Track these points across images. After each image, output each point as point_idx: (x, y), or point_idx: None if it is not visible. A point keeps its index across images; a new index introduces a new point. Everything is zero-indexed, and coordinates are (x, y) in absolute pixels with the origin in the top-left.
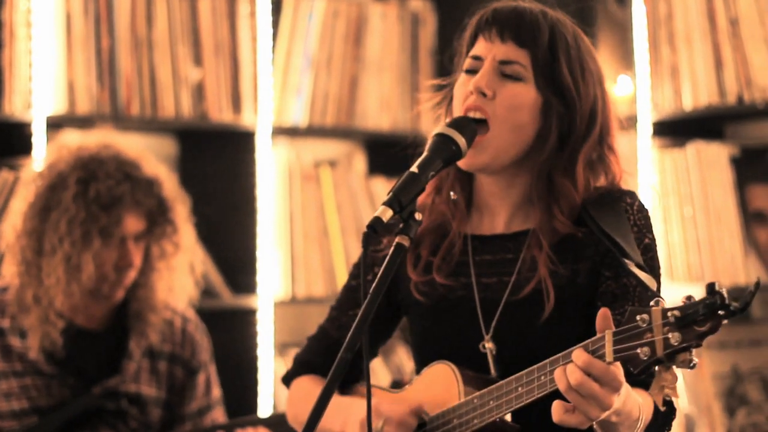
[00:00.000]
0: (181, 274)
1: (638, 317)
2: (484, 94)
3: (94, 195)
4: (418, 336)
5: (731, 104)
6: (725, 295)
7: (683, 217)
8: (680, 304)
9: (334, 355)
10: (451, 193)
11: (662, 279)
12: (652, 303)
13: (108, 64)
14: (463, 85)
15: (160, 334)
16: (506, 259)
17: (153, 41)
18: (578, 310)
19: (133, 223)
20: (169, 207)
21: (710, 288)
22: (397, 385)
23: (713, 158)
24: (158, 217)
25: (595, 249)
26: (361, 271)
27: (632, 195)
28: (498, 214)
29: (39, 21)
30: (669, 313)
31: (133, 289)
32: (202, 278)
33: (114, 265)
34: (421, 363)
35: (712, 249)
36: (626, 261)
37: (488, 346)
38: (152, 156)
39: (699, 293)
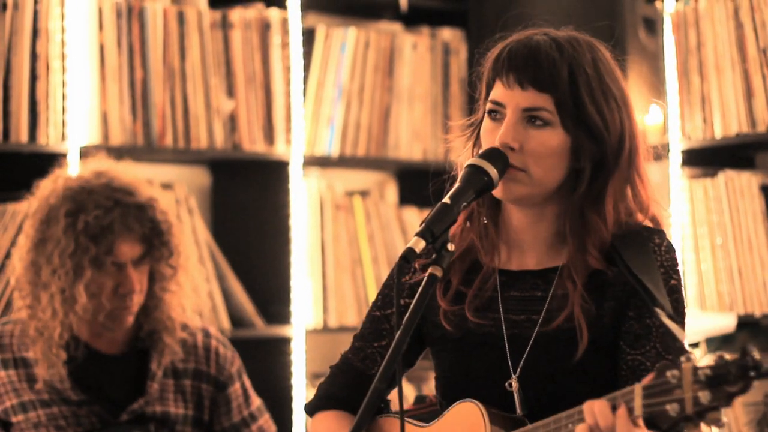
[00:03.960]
0: (189, 291)
1: (668, 373)
2: (511, 148)
3: (83, 227)
4: (444, 369)
5: (762, 133)
6: (757, 356)
7: (714, 246)
8: (711, 362)
9: (358, 387)
10: (483, 218)
11: (693, 308)
12: (682, 359)
13: (141, 95)
14: (489, 133)
15: (182, 353)
16: (535, 297)
17: (186, 72)
18: (603, 349)
19: (128, 249)
20: (164, 230)
21: (743, 350)
22: (421, 400)
23: (744, 187)
24: (154, 239)
25: (622, 289)
26: (395, 300)
27: (660, 234)
28: (528, 250)
29: (73, 53)
30: (700, 372)
31: (145, 311)
32: (234, 307)
33: (114, 292)
34: (446, 397)
35: (743, 278)
36: (658, 311)
37: (515, 384)
38: (146, 181)
39: (731, 322)
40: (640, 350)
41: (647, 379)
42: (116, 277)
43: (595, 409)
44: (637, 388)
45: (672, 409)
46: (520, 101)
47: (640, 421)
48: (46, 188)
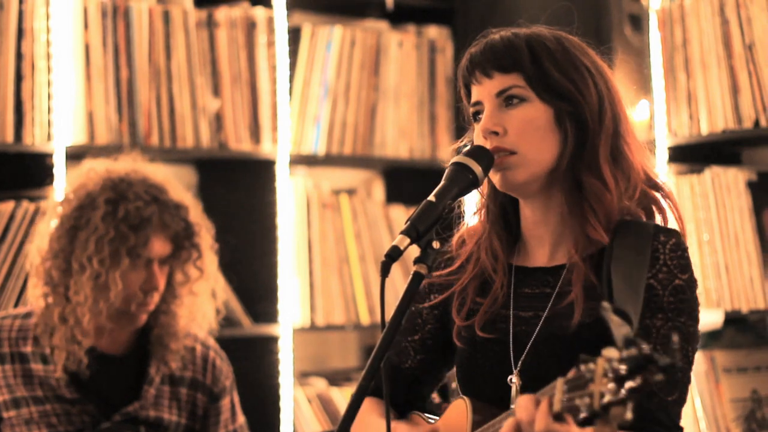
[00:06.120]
0: (202, 301)
1: (583, 367)
2: (496, 133)
3: (123, 215)
4: (457, 368)
5: (748, 129)
6: (647, 350)
7: (701, 242)
8: (625, 354)
9: (395, 381)
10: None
11: None
12: (604, 351)
13: (127, 94)
14: (478, 135)
15: (181, 361)
16: (544, 294)
17: (172, 72)
18: (601, 347)
19: (159, 246)
20: (195, 232)
21: (632, 341)
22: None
23: (730, 183)
24: (184, 241)
25: None
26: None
27: (668, 233)
28: (542, 244)
29: (58, 53)
30: (613, 364)
31: (155, 315)
32: (223, 307)
33: (140, 288)
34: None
35: (729, 274)
36: (603, 304)
37: (515, 380)
38: (176, 182)
39: (718, 319)
40: None
41: (571, 373)
42: (143, 272)
43: (521, 403)
44: (559, 383)
45: (583, 404)
46: (491, 89)
47: (569, 417)
48: (81, 176)
